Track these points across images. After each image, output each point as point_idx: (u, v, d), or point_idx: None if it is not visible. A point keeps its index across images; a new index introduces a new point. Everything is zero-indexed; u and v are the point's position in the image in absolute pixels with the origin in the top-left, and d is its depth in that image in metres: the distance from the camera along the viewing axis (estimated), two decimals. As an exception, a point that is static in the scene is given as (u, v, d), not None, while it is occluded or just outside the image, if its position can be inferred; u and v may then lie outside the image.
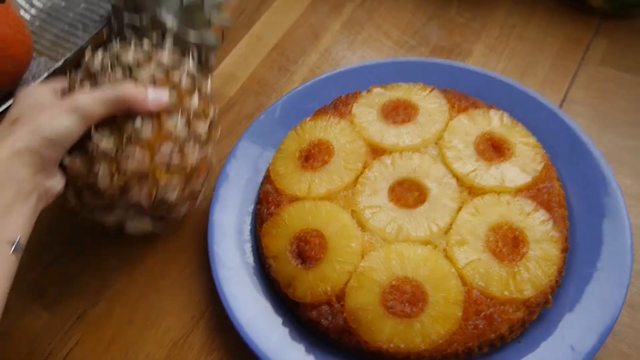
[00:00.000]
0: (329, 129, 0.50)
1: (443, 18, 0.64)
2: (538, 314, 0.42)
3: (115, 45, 0.44)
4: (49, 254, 0.53)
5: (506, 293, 0.40)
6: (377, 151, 0.48)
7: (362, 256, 0.43)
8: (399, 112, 0.50)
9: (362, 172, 0.47)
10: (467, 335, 0.40)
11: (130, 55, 0.43)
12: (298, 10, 0.68)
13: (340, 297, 0.42)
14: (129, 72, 0.42)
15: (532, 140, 0.47)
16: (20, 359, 0.48)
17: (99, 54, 0.43)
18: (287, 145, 0.50)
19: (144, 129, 0.40)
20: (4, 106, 0.56)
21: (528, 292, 0.40)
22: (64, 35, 0.68)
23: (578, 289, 0.42)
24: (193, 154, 0.42)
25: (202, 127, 0.43)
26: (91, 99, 0.38)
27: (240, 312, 0.44)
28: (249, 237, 0.49)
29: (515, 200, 0.44)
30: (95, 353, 0.48)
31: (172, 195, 0.42)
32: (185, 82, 0.44)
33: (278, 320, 0.45)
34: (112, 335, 0.48)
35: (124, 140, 0.40)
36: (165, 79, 0.43)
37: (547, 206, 0.44)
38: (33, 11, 0.69)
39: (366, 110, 0.51)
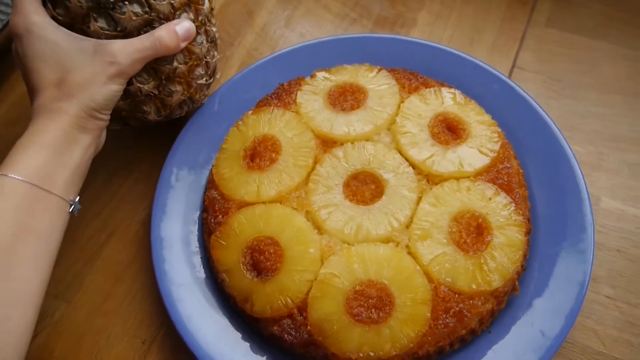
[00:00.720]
0: (273, 122, 0.46)
1: (390, -18, 0.60)
2: (506, 302, 0.41)
3: None
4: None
5: (474, 286, 0.39)
6: (327, 143, 0.45)
7: (322, 262, 0.40)
8: (347, 98, 0.47)
9: (313, 168, 0.44)
10: (438, 334, 0.38)
11: None
12: (227, -14, 0.62)
13: (302, 308, 0.39)
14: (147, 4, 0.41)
15: (487, 118, 0.45)
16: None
17: None
18: (230, 144, 0.46)
19: (178, 65, 0.43)
20: None
21: (496, 282, 0.39)
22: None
23: (543, 271, 0.41)
24: (214, 58, 0.47)
25: (213, 27, 0.47)
26: (131, 60, 0.39)
27: (197, 333, 0.41)
28: (197, 249, 0.45)
29: (475, 185, 0.42)
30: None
31: (203, 97, 0.49)
32: None
33: (238, 336, 0.42)
34: (55, 373, 0.44)
35: (163, 79, 0.43)
36: None
37: (507, 188, 0.42)
38: None
39: (312, 98, 0.47)
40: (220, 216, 0.43)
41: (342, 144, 0.45)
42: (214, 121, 0.50)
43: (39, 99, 0.39)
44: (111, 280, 0.47)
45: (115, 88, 0.40)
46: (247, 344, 0.41)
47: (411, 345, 0.38)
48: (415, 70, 0.50)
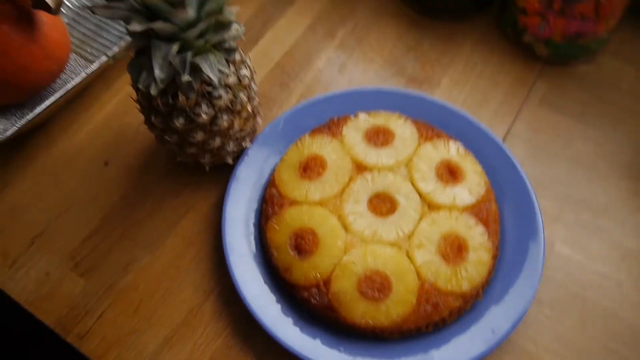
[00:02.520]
0: (323, 146, 0.63)
1: (419, 50, 0.76)
2: (471, 305, 0.56)
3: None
4: (87, 228, 0.65)
5: (449, 287, 0.54)
6: (360, 167, 0.61)
7: (345, 252, 0.56)
8: (379, 136, 0.63)
9: (348, 185, 0.60)
10: (419, 316, 0.54)
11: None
12: (299, 30, 0.79)
13: (327, 282, 0.55)
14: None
15: (479, 168, 0.61)
16: (61, 317, 0.60)
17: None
18: (290, 156, 0.63)
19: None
20: (44, 105, 0.65)
21: (465, 287, 0.54)
22: (91, 35, 0.77)
23: (502, 287, 0.57)
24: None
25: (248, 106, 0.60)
26: None
27: (246, 290, 0.57)
28: (253, 231, 0.62)
29: (462, 216, 0.58)
30: (124, 315, 0.60)
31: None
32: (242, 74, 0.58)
33: (274, 298, 0.58)
34: (139, 301, 0.60)
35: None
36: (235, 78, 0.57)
37: (485, 222, 0.58)
38: (64, 10, 0.78)
39: (353, 133, 0.63)
40: (276, 208, 0.60)
41: (371, 170, 0.61)
42: (277, 138, 0.66)
43: None
44: (185, 243, 0.64)
45: None
46: (280, 306, 0.57)
47: (398, 320, 0.53)
48: (433, 122, 0.66)
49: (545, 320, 0.58)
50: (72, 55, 0.75)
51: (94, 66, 0.68)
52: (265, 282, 0.59)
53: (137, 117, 0.72)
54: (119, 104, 0.74)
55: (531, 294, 0.56)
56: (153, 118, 0.56)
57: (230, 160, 0.64)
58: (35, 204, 0.67)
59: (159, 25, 0.48)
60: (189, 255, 0.63)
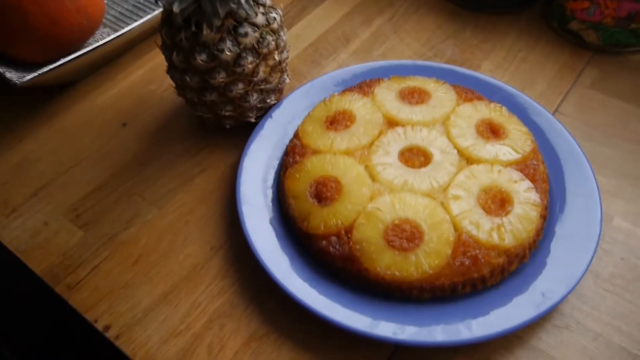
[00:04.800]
0: (353, 103, 0.58)
1: (459, 38, 0.73)
2: (516, 267, 0.48)
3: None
4: (94, 183, 0.60)
5: (490, 239, 0.47)
6: (392, 123, 0.56)
7: (371, 199, 0.50)
8: (414, 96, 0.58)
9: (377, 137, 0.55)
10: (454, 270, 0.46)
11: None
12: (334, 19, 0.77)
13: (349, 230, 0.48)
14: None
15: (524, 129, 0.55)
16: (53, 266, 0.54)
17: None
18: (316, 112, 0.58)
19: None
20: (67, 59, 0.64)
21: (509, 241, 0.47)
22: (127, 13, 0.77)
23: (553, 253, 0.49)
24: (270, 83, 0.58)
25: (276, 55, 0.57)
26: None
27: (257, 242, 0.51)
28: (272, 185, 0.56)
29: (505, 170, 0.51)
30: (121, 267, 0.54)
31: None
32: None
33: (289, 252, 0.51)
34: (138, 255, 0.54)
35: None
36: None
37: (532, 179, 0.51)
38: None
39: (386, 92, 0.59)
40: (297, 157, 0.54)
41: (404, 126, 0.56)
42: (305, 99, 0.62)
43: None
44: (196, 200, 0.58)
45: None
46: (295, 261, 0.50)
47: (430, 272, 0.46)
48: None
49: (605, 294, 0.49)
50: (106, 30, 0.75)
51: (124, 30, 0.67)
52: (278, 237, 0.52)
53: (160, 85, 0.70)
54: (145, 74, 0.72)
55: (586, 261, 0.47)
56: (175, 56, 0.54)
57: (252, 118, 0.60)
58: (45, 158, 0.63)
59: None
60: (199, 212, 0.57)
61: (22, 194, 0.60)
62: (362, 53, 0.72)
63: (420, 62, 0.65)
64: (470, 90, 0.59)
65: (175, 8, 0.49)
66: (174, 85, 0.59)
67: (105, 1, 0.77)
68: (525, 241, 0.47)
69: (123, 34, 0.67)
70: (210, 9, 0.50)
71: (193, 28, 0.51)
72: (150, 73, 0.72)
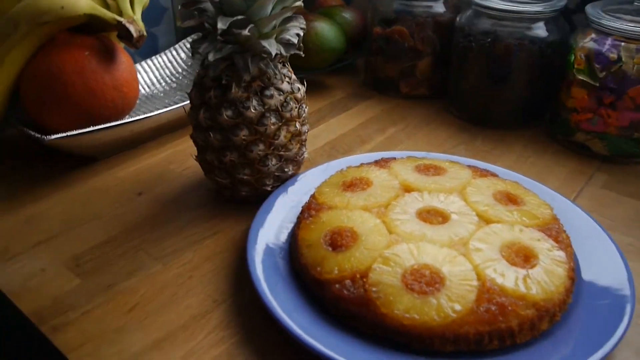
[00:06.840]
0: (370, 172, 0.59)
1: (470, 145, 0.77)
2: (548, 327, 0.44)
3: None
4: (101, 238, 0.58)
5: (516, 288, 0.44)
6: (409, 190, 0.56)
7: (388, 247, 0.48)
8: (430, 170, 0.59)
9: (394, 199, 0.54)
10: (479, 318, 0.42)
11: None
12: (350, 125, 0.82)
13: (364, 275, 0.46)
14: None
15: (542, 201, 0.55)
16: (42, 308, 0.50)
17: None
18: (333, 179, 0.59)
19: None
20: (90, 128, 0.66)
21: (537, 292, 0.44)
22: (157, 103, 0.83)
23: (584, 320, 0.45)
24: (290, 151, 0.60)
25: (298, 126, 0.60)
26: None
27: (268, 294, 0.47)
28: (284, 242, 0.54)
29: (527, 229, 0.50)
30: (115, 314, 0.49)
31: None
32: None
33: (298, 302, 0.47)
34: (135, 303, 0.50)
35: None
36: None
37: (555, 240, 0.49)
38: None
39: (403, 167, 0.60)
40: (312, 212, 0.53)
41: (421, 190, 0.56)
42: (320, 174, 0.63)
43: None
44: (203, 259, 0.56)
45: None
46: (305, 310, 0.47)
47: (454, 317, 0.42)
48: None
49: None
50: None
51: (153, 113, 0.71)
52: (289, 290, 0.49)
53: (181, 164, 0.72)
54: (168, 156, 0.74)
55: (617, 336, 0.43)
56: (202, 114, 0.56)
57: (269, 187, 0.60)
58: (55, 217, 0.62)
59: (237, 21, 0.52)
60: (205, 268, 0.55)
61: (25, 242, 0.58)
62: (377, 151, 0.75)
63: (432, 154, 0.68)
64: (485, 169, 0.61)
65: (211, 57, 0.53)
66: (194, 156, 0.61)
67: (138, 101, 0.83)
68: (554, 296, 0.44)
69: (153, 116, 0.71)
70: (241, 64, 0.54)
71: (223, 81, 0.55)
72: (173, 155, 0.74)
